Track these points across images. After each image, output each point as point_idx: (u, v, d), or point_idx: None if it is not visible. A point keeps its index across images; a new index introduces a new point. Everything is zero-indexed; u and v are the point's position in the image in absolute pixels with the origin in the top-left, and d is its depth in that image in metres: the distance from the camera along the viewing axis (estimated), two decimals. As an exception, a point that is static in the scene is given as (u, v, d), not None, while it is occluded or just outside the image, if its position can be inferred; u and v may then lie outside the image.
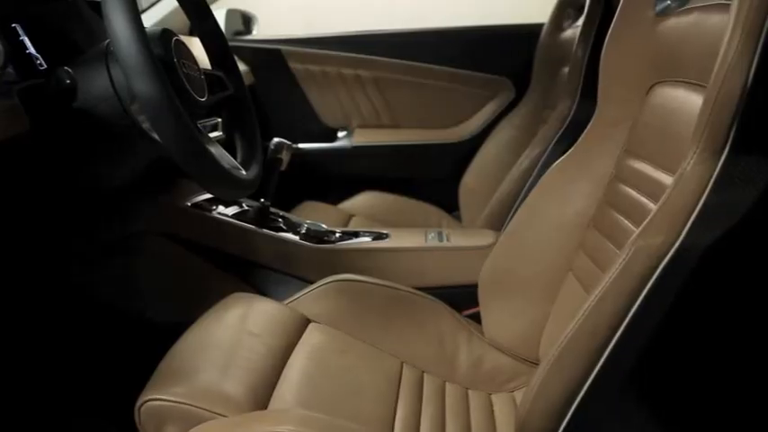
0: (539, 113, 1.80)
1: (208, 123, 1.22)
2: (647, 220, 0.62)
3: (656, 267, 0.59)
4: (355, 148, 2.08)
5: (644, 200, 0.84)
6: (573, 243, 1.00)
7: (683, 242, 0.59)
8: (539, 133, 1.57)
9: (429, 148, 2.09)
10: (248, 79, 1.99)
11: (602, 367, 0.61)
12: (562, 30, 1.77)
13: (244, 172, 0.87)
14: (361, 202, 1.96)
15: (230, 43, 1.96)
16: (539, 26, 1.89)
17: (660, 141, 0.84)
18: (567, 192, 1.02)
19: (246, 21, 2.26)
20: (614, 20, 0.97)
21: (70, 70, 0.75)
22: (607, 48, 0.98)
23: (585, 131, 1.02)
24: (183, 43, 0.86)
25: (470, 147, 2.02)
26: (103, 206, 0.94)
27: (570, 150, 1.04)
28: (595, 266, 0.94)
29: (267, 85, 2.05)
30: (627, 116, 0.95)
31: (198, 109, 0.84)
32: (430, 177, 2.10)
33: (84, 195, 0.88)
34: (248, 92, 1.04)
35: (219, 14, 2.12)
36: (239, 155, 0.98)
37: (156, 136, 0.74)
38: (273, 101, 2.07)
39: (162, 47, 0.79)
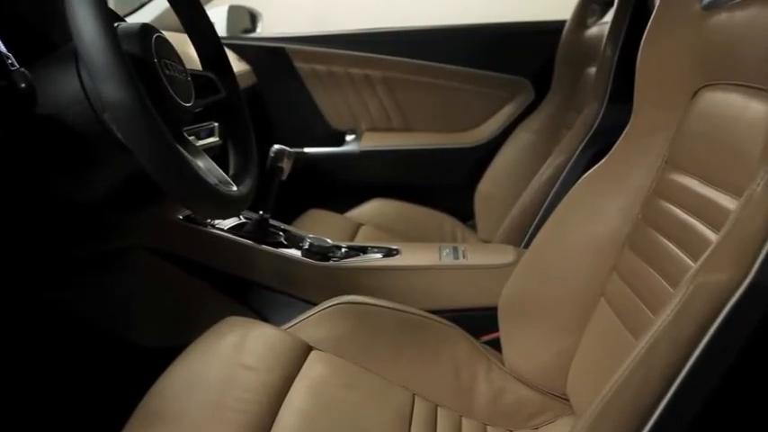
0: (560, 117, 1.75)
1: (202, 128, 1.14)
2: (707, 251, 0.53)
3: (722, 309, 0.51)
4: (364, 152, 2.04)
5: (691, 220, 0.76)
6: (606, 265, 0.92)
7: (754, 279, 0.50)
8: (562, 140, 1.52)
9: (442, 152, 2.05)
10: (251, 79, 1.95)
11: (653, 428, 0.52)
12: (586, 27, 1.71)
13: (234, 187, 0.79)
14: (370, 210, 1.90)
15: (231, 41, 2.00)
16: (560, 23, 1.84)
17: (710, 153, 0.75)
18: (599, 207, 0.94)
19: (250, 18, 2.23)
20: (653, 15, 0.89)
21: (26, 72, 0.66)
22: (645, 47, 0.90)
23: (620, 140, 0.94)
24: (167, 41, 0.78)
25: (486, 152, 1.97)
26: (77, 220, 0.86)
27: (602, 161, 0.96)
28: (632, 292, 0.86)
29: (271, 85, 2.01)
30: (668, 123, 0.87)
31: (182, 115, 0.76)
32: (443, 184, 2.05)
33: (53, 209, 0.80)
34: (243, 96, 0.96)
35: (221, 11, 2.09)
36: (231, 167, 0.89)
37: None
38: (277, 102, 2.03)
39: (139, 44, 0.71)
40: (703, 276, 0.53)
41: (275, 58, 2.00)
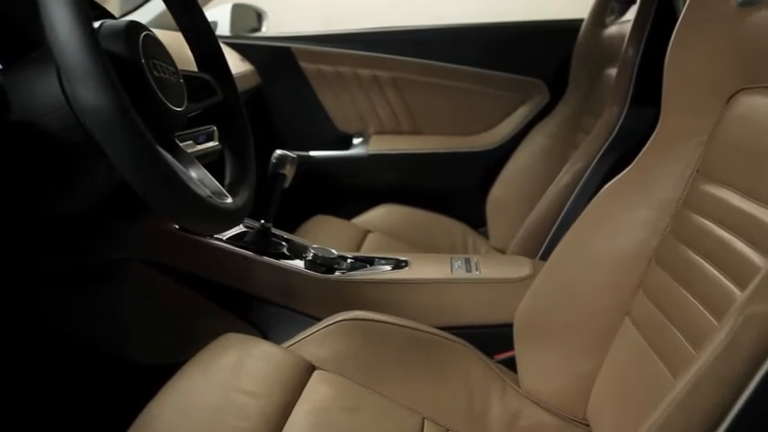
0: (577, 120, 1.71)
1: (200, 132, 1.10)
2: (758, 277, 0.48)
3: (776, 344, 0.45)
4: (372, 156, 2.00)
5: (728, 236, 0.70)
6: (630, 282, 0.87)
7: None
8: (580, 144, 1.47)
9: (453, 156, 2.00)
10: (255, 80, 1.91)
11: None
12: (604, 26, 1.66)
13: (229, 199, 0.74)
14: (379, 216, 1.86)
15: (234, 41, 1.95)
16: (577, 22, 1.79)
17: (748, 163, 0.70)
18: (623, 219, 0.89)
19: (255, 16, 2.18)
20: (683, 14, 0.83)
21: None
22: (673, 48, 0.84)
23: (645, 148, 0.88)
24: (157, 40, 0.73)
25: (499, 156, 1.93)
26: (63, 232, 0.81)
27: (626, 170, 0.91)
28: (659, 312, 0.81)
29: (275, 86, 1.97)
30: (699, 130, 0.82)
31: (173, 120, 0.71)
32: (454, 189, 2.01)
33: (35, 221, 0.75)
34: (241, 99, 0.91)
35: (225, 9, 2.06)
36: (228, 176, 0.84)
37: None
38: (282, 104, 2.00)
39: (124, 43, 0.66)
40: (754, 306, 0.47)
41: (280, 59, 1.96)
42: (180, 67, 0.83)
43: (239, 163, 0.86)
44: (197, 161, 0.73)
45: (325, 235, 1.65)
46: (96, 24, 0.66)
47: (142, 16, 1.79)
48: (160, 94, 0.68)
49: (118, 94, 0.55)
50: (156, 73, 0.68)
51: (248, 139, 0.89)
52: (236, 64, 1.78)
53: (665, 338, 0.77)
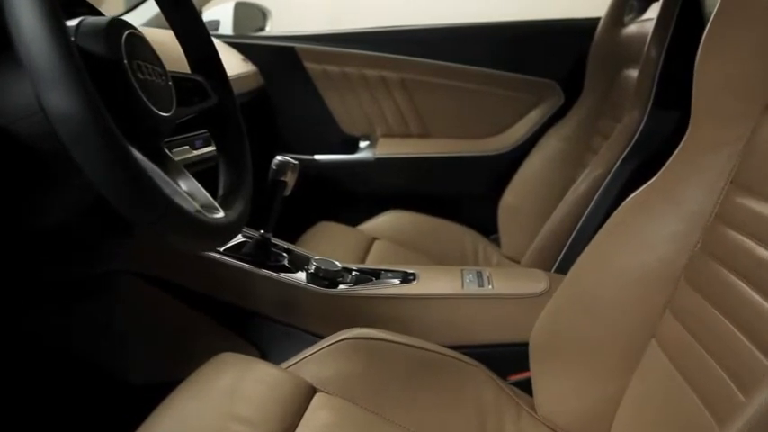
0: (593, 123, 1.66)
1: (197, 137, 1.05)
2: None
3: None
4: (379, 160, 1.96)
5: (766, 254, 0.64)
6: (657, 301, 0.82)
7: None
8: (596, 148, 1.43)
9: (463, 160, 1.96)
10: (257, 81, 1.87)
11: None
12: (623, 24, 1.61)
13: (220, 213, 0.68)
14: (386, 222, 1.83)
15: (236, 40, 1.90)
16: (593, 21, 1.74)
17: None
18: (649, 233, 0.84)
19: (260, 15, 2.17)
20: (715, 12, 0.78)
21: None
22: (705, 48, 0.79)
23: (673, 156, 0.83)
24: (143, 39, 0.68)
25: (511, 160, 1.88)
26: (46, 244, 0.76)
27: (652, 180, 0.85)
28: (689, 335, 0.75)
29: (279, 87, 1.94)
30: (734, 137, 0.76)
31: (159, 126, 0.66)
32: (464, 195, 1.98)
33: (13, 233, 0.70)
34: (237, 103, 0.86)
35: (228, 7, 2.04)
36: (221, 186, 0.79)
37: None
38: (286, 106, 1.97)
39: (104, 42, 0.61)
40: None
41: (284, 59, 1.93)
42: (176, 69, 0.79)
43: (234, 172, 0.81)
44: (186, 171, 0.68)
45: (330, 242, 1.62)
46: (74, 22, 0.61)
47: (141, 14, 1.75)
48: (144, 98, 0.63)
49: (90, 98, 0.50)
50: (140, 75, 0.63)
51: (244, 146, 0.84)
52: (238, 64, 1.75)
53: (695, 365, 0.72)
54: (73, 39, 0.59)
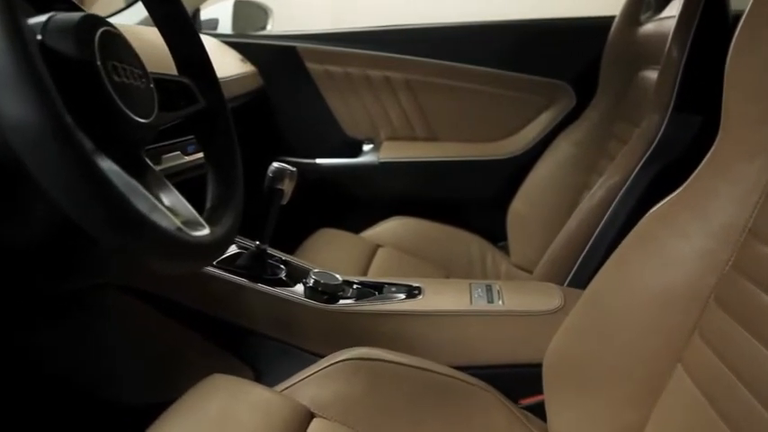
0: (607, 127, 1.62)
1: (189, 142, 1.01)
2: None
3: None
4: (383, 164, 1.93)
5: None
6: (684, 324, 0.77)
7: None
8: (611, 153, 1.39)
9: (471, 165, 1.93)
10: (257, 82, 1.85)
11: None
12: (640, 23, 1.57)
13: (205, 230, 0.63)
14: (390, 229, 1.81)
15: (235, 39, 1.86)
16: (607, 19, 1.70)
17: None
18: (675, 249, 0.79)
19: (261, 13, 2.15)
20: (749, 8, 0.74)
21: None
22: (737, 48, 0.74)
23: (702, 165, 0.78)
24: (121, 37, 0.63)
25: (521, 164, 1.85)
26: (19, 259, 0.71)
27: (678, 191, 0.80)
28: (720, 362, 0.70)
29: (279, 89, 1.92)
30: (769, 146, 0.71)
31: (138, 133, 0.60)
32: (471, 200, 1.95)
33: None
34: (227, 106, 0.81)
35: (227, 5, 2.03)
36: (209, 198, 0.74)
37: None
38: (286, 108, 1.94)
39: (74, 41, 0.55)
40: None
41: (285, 59, 1.90)
42: (165, 70, 0.74)
43: (223, 183, 0.75)
44: (169, 182, 0.63)
45: (332, 250, 1.60)
46: (43, 18, 0.56)
47: (138, 12, 1.71)
48: (120, 103, 0.57)
49: (47, 102, 0.45)
50: (116, 77, 0.58)
51: (235, 154, 0.79)
52: (237, 65, 1.73)
53: (725, 393, 0.67)
54: (40, 37, 0.54)
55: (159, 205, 0.56)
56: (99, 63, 0.56)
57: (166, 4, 0.75)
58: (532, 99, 1.90)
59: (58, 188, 0.46)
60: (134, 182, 0.54)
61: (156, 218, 0.53)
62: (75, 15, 0.57)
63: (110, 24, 0.62)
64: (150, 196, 0.55)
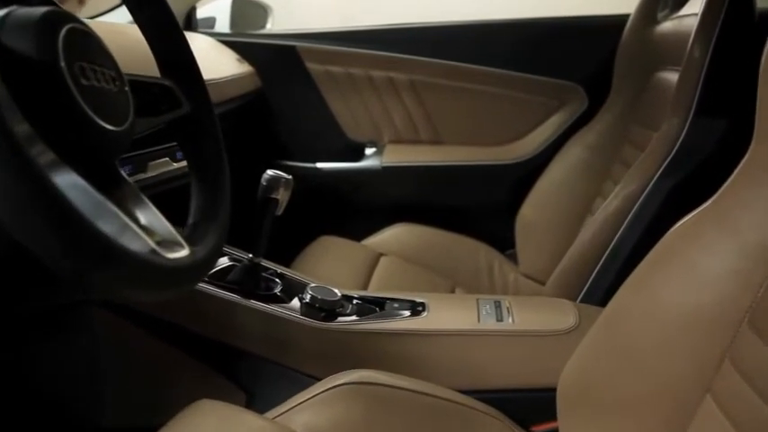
0: (621, 130, 1.58)
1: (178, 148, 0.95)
2: None
3: None
4: (386, 168, 1.91)
5: None
6: (714, 350, 0.72)
7: None
8: (626, 158, 1.35)
9: (477, 169, 1.91)
10: (255, 83, 1.82)
11: None
12: (656, 22, 1.53)
13: (184, 251, 0.57)
14: (393, 236, 1.78)
15: (232, 38, 1.81)
16: (621, 18, 1.67)
17: None
18: (705, 268, 0.74)
19: (260, 12, 2.14)
20: None
21: None
22: None
23: (733, 177, 0.74)
24: (90, 35, 0.57)
25: (530, 169, 1.83)
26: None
27: (706, 204, 0.76)
28: (755, 393, 0.65)
29: (278, 90, 1.89)
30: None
31: (108, 142, 0.55)
32: (478, 207, 1.92)
33: None
34: (214, 111, 0.77)
35: (225, 3, 2.01)
36: (191, 213, 0.69)
37: None
38: (286, 110, 1.92)
39: (34, 40, 0.50)
40: None
41: (284, 59, 1.88)
42: (150, 72, 0.69)
43: (208, 196, 0.70)
44: (144, 196, 0.57)
45: (333, 258, 1.57)
46: (2, 13, 0.50)
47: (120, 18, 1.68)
48: (87, 108, 0.52)
49: None
50: (83, 80, 0.53)
51: (221, 163, 0.73)
52: (234, 65, 1.71)
53: (760, 426, 0.62)
54: None
55: (131, 224, 0.50)
56: (63, 64, 0.51)
57: (148, 3, 0.70)
58: (542, 101, 1.88)
59: (3, 209, 0.41)
60: (101, 198, 0.49)
61: (126, 240, 0.47)
62: (38, 10, 0.51)
63: (78, 21, 0.56)
64: (121, 213, 0.50)
